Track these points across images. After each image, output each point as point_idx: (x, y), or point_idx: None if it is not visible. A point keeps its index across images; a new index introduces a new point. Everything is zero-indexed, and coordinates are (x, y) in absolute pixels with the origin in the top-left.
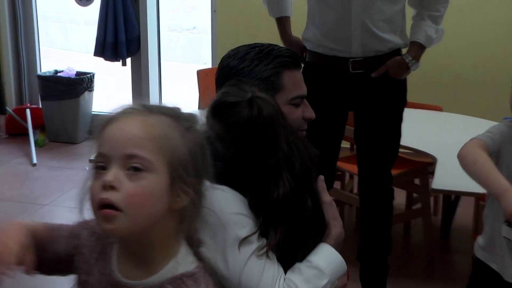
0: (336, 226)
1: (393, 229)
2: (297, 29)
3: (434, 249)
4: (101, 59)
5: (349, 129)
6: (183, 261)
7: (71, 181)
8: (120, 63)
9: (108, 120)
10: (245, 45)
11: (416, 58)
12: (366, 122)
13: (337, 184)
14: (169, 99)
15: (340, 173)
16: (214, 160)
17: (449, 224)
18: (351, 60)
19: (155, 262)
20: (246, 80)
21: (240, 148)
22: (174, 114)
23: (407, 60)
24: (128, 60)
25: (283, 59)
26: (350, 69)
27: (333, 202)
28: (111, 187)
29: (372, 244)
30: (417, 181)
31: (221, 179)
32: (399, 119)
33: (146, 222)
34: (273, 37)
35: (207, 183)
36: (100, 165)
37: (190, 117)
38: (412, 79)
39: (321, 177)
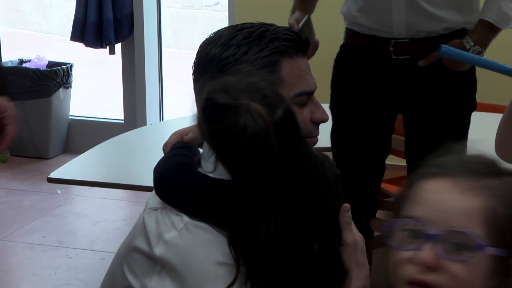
0: (358, 277)
1: None
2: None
3: None
4: (83, 46)
5: (400, 140)
6: None
7: (36, 208)
8: (106, 50)
9: None
10: (229, 27)
11: (481, 43)
12: (417, 129)
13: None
14: (173, 101)
15: (392, 199)
16: (197, 180)
17: None
18: (393, 41)
19: None
20: (248, 72)
21: (221, 168)
22: None
23: (466, 45)
24: (118, 47)
25: (280, 44)
26: (392, 54)
27: (360, 242)
28: None
29: None
30: None
31: (202, 208)
32: (463, 127)
33: None
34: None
35: (187, 219)
36: None
37: None
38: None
39: (346, 206)
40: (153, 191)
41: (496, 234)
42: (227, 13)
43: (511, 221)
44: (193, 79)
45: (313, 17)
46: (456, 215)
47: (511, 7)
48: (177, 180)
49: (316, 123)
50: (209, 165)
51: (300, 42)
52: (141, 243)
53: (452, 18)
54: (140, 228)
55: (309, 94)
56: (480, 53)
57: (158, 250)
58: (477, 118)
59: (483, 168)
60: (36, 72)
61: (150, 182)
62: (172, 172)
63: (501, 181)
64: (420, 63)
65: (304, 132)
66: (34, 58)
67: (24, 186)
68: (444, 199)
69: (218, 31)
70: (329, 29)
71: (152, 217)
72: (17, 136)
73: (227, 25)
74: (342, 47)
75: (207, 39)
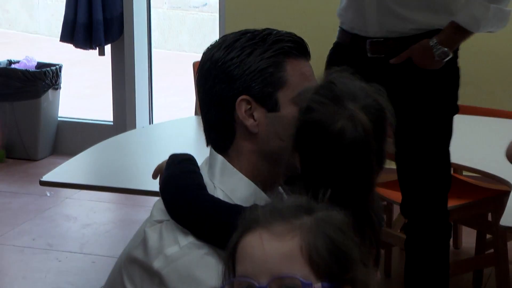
0: None
1: (460, 281)
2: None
3: None
4: (71, 46)
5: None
6: None
7: (25, 211)
8: (96, 51)
9: None
10: (232, 33)
11: (446, 43)
12: (399, 132)
13: None
14: (160, 102)
15: (385, 203)
16: (214, 205)
17: None
18: (368, 40)
19: None
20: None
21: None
22: None
23: (431, 44)
24: (107, 48)
25: (284, 45)
26: (368, 53)
27: None
28: None
29: None
30: (491, 216)
31: (219, 235)
32: (446, 131)
33: None
34: (295, 16)
35: (192, 238)
36: None
37: None
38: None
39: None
40: (157, 202)
41: (321, 268)
42: (215, 14)
43: (330, 253)
44: (197, 85)
45: (310, 19)
46: (278, 262)
47: (483, 11)
48: (193, 206)
49: None
50: (215, 172)
51: (304, 45)
52: (141, 255)
53: (424, 19)
54: (141, 240)
55: None
56: (444, 53)
57: (157, 264)
58: (468, 121)
59: (294, 211)
60: (25, 73)
61: (142, 186)
62: (186, 195)
63: (314, 217)
64: (392, 61)
65: None
66: (23, 59)
67: (13, 188)
68: (264, 250)
69: (223, 36)
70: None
71: (156, 230)
72: (6, 137)
73: (216, 26)
74: (334, 45)
75: (210, 45)
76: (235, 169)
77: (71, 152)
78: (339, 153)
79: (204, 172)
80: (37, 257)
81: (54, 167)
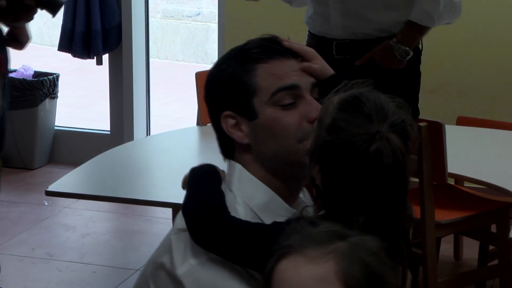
0: None
1: None
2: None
3: None
4: (69, 56)
5: None
6: None
7: (23, 220)
8: (94, 60)
9: None
10: None
11: (405, 41)
12: None
13: None
14: (161, 112)
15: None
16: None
17: None
18: (335, 42)
19: None
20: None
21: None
22: None
23: (393, 45)
24: (105, 57)
25: (252, 51)
26: (335, 54)
27: None
28: None
29: None
30: (494, 228)
31: (244, 258)
32: None
33: None
34: (293, 25)
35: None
36: None
37: None
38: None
39: None
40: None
41: None
42: (208, 23)
43: (366, 277)
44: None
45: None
46: (314, 284)
47: (433, 6)
48: (212, 231)
49: (312, 122)
50: (233, 180)
51: (275, 47)
52: (167, 262)
53: (387, 19)
54: (167, 248)
55: (289, 88)
56: (405, 52)
57: (181, 270)
58: (469, 132)
59: (327, 236)
60: (22, 82)
61: (141, 195)
62: (205, 222)
63: (348, 242)
64: (357, 62)
65: (295, 135)
66: (20, 68)
67: (10, 197)
68: (299, 273)
69: None
70: None
71: (180, 239)
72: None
73: (209, 36)
74: None
75: None
76: (252, 176)
77: (67, 161)
78: (375, 176)
79: (224, 182)
80: (37, 267)
81: (51, 176)
